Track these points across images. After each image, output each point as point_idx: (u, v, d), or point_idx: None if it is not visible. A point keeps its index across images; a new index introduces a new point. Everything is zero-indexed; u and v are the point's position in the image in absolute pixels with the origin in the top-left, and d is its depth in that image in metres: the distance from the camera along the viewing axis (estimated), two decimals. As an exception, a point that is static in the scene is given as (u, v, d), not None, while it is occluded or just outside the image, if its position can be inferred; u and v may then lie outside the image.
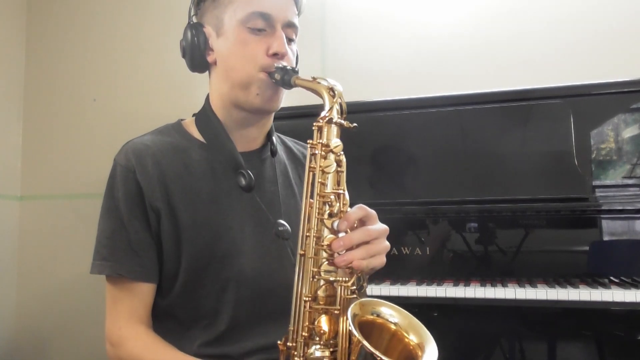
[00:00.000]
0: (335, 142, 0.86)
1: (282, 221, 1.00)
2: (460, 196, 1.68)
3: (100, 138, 2.52)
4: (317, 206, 0.84)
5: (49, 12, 2.65)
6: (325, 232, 0.83)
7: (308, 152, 0.87)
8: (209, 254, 0.95)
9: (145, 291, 0.96)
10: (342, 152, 0.87)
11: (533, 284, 1.51)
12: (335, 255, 0.81)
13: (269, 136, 1.08)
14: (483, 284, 1.54)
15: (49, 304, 2.52)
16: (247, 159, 1.02)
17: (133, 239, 0.94)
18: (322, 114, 0.87)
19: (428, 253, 1.67)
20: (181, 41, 1.03)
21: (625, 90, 1.69)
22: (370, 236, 0.83)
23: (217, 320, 0.96)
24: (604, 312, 1.46)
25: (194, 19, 1.04)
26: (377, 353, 0.70)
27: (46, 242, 2.54)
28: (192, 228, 0.95)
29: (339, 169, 0.86)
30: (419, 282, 1.60)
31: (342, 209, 0.84)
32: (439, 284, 1.57)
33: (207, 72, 1.06)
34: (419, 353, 0.78)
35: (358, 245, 0.81)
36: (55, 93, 2.61)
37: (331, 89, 0.89)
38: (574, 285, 1.48)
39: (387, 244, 0.87)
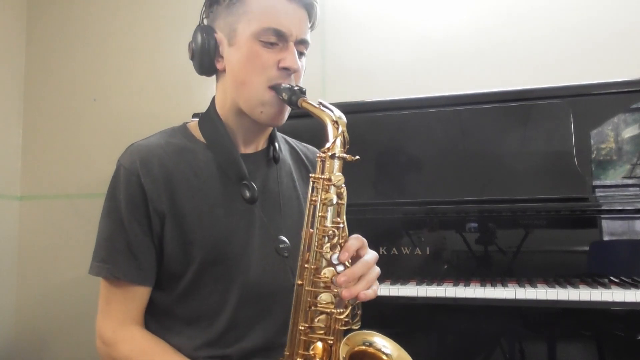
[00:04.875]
0: (337, 176, 0.88)
1: (282, 237, 1.01)
2: (460, 196, 1.68)
3: (100, 138, 2.52)
4: (317, 239, 0.86)
5: (49, 12, 2.65)
6: (323, 262, 0.86)
7: (310, 185, 0.89)
8: (215, 254, 0.95)
9: (140, 294, 0.96)
10: (343, 185, 0.88)
11: (533, 284, 1.51)
12: (341, 290, 0.83)
13: (271, 139, 1.08)
14: (483, 284, 1.54)
15: (49, 304, 2.52)
16: (253, 160, 1.03)
17: (132, 242, 0.94)
18: (327, 145, 0.89)
19: (428, 253, 1.67)
20: (190, 43, 1.01)
21: (625, 90, 1.69)
22: (369, 266, 0.86)
23: (218, 320, 0.97)
24: (604, 312, 1.47)
25: (205, 21, 1.03)
26: None
27: (46, 242, 2.54)
28: (199, 229, 0.95)
29: (339, 201, 0.88)
30: (419, 282, 1.60)
31: (340, 242, 0.86)
32: (439, 284, 1.57)
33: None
34: None
35: (359, 277, 0.84)
36: (55, 93, 2.61)
37: (336, 122, 0.89)
38: (574, 285, 1.48)
39: (378, 269, 0.89)
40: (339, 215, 0.88)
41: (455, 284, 1.56)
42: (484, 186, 1.69)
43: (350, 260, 0.85)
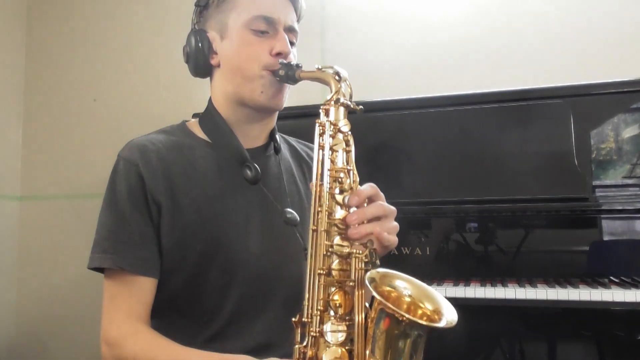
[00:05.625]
0: (343, 122, 0.87)
1: (289, 209, 1.00)
2: (460, 196, 1.68)
3: (100, 138, 2.52)
4: (328, 183, 0.85)
5: (49, 12, 2.65)
6: (336, 208, 0.84)
7: (316, 131, 0.88)
8: (215, 248, 0.96)
9: (145, 287, 0.94)
10: (349, 132, 0.88)
11: (533, 284, 1.51)
12: (350, 229, 0.81)
13: (272, 135, 1.09)
14: (483, 284, 1.54)
15: (49, 304, 2.52)
16: (252, 155, 1.03)
17: (135, 232, 0.94)
18: (329, 96, 0.89)
19: (428, 253, 1.67)
20: (184, 47, 1.05)
21: (625, 90, 1.69)
22: (384, 211, 0.84)
23: (219, 315, 0.96)
24: (604, 312, 1.46)
25: (197, 27, 1.05)
26: (399, 311, 0.70)
27: (46, 242, 2.54)
28: (197, 223, 0.95)
29: (347, 148, 0.87)
30: (419, 282, 1.60)
31: (352, 186, 0.85)
32: (439, 284, 1.57)
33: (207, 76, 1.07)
34: (436, 317, 0.79)
35: (371, 221, 0.82)
36: (55, 93, 2.61)
37: (337, 74, 0.90)
38: (574, 285, 1.48)
39: (396, 224, 0.87)
40: (347, 162, 0.87)
41: (455, 284, 1.56)
42: (484, 186, 1.69)
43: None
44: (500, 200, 1.64)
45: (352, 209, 0.83)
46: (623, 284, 1.48)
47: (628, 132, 1.69)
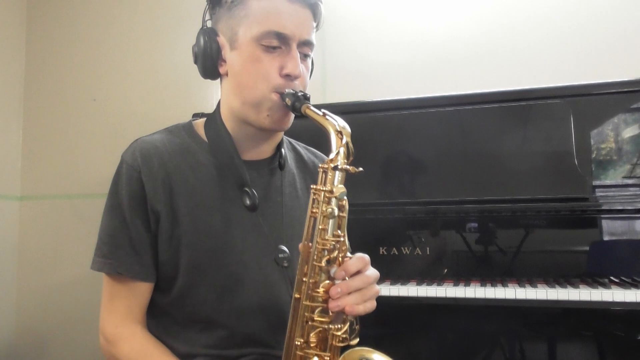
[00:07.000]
0: (339, 188, 0.85)
1: (282, 247, 1.00)
2: (460, 196, 1.68)
3: (100, 138, 2.52)
4: (316, 252, 0.83)
5: (49, 11, 2.65)
6: (322, 276, 0.84)
7: (311, 197, 0.86)
8: (208, 260, 0.95)
9: (142, 290, 0.96)
10: (345, 197, 0.86)
11: (533, 284, 1.51)
12: (330, 301, 0.81)
13: (278, 148, 1.07)
14: (483, 284, 1.54)
15: (49, 304, 2.52)
16: (255, 168, 1.02)
17: (134, 238, 0.94)
18: (330, 156, 0.86)
19: (428, 253, 1.67)
20: (194, 47, 1.00)
21: (625, 90, 1.69)
22: (368, 282, 0.84)
23: (214, 326, 0.96)
24: (604, 312, 1.46)
25: (209, 23, 1.01)
26: None
27: (46, 242, 2.54)
28: (193, 233, 0.95)
29: (340, 214, 0.85)
30: (419, 282, 1.60)
31: (340, 255, 0.84)
32: (439, 284, 1.57)
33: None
34: None
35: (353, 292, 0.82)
36: (55, 93, 2.61)
37: (340, 132, 0.86)
38: (574, 285, 1.48)
39: (378, 288, 0.87)
40: (339, 228, 0.85)
41: (456, 284, 1.56)
42: (484, 186, 1.69)
43: (348, 278, 0.83)
44: (500, 200, 1.64)
45: (338, 282, 0.82)
46: (623, 284, 1.48)
47: (628, 132, 1.69)
